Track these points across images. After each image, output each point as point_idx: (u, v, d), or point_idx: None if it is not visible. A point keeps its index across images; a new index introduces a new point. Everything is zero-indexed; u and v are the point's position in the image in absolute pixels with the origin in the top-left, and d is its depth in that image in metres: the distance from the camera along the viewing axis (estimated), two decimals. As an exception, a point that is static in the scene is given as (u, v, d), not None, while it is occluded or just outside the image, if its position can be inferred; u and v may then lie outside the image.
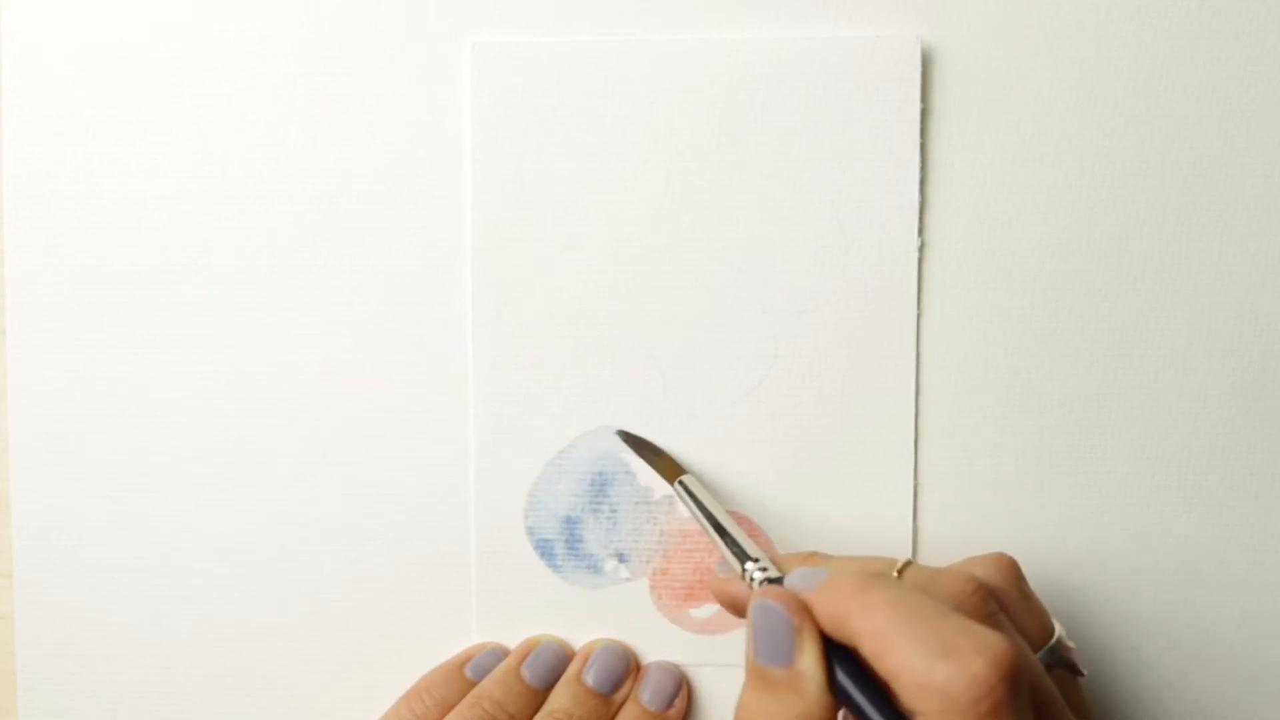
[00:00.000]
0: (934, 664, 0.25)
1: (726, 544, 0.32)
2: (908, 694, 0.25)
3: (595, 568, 0.37)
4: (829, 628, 0.27)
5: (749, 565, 0.32)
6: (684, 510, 0.36)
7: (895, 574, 0.30)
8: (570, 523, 0.37)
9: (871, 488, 0.36)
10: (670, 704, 0.35)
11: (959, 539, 0.36)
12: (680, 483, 0.35)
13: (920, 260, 0.36)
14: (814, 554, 0.33)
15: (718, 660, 0.37)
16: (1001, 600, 0.30)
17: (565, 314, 0.36)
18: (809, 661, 0.27)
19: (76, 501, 0.37)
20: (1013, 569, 0.31)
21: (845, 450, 0.36)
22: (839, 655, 0.27)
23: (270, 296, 0.37)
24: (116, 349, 0.37)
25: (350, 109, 0.36)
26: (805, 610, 0.28)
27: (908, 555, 0.36)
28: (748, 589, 0.31)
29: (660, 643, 0.37)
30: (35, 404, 0.37)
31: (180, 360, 0.37)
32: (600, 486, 0.37)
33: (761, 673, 0.28)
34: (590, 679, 0.35)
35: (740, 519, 0.36)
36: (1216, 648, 0.36)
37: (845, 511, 0.36)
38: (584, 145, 0.36)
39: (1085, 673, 0.31)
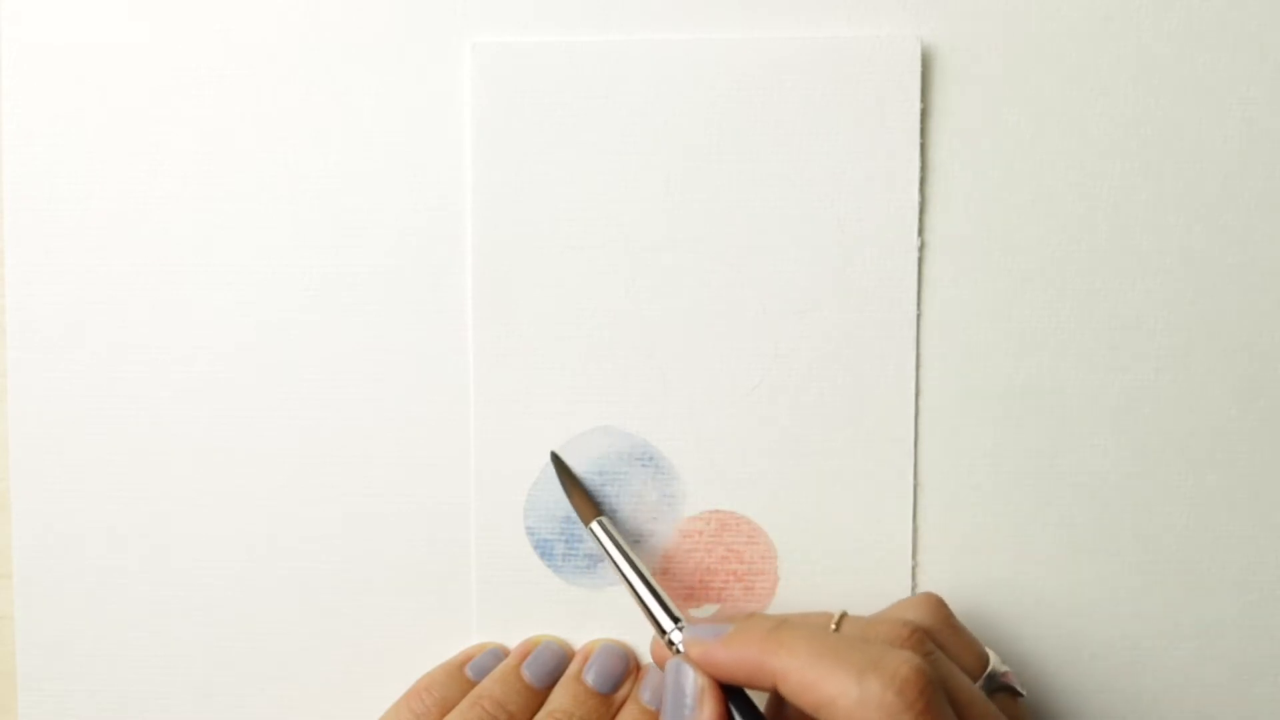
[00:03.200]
0: (864, 680, 0.27)
1: (648, 601, 0.33)
2: (842, 717, 0.27)
3: (595, 568, 0.37)
4: (742, 674, 0.30)
5: (670, 628, 0.32)
6: (685, 510, 0.37)
7: (833, 626, 0.32)
8: (570, 523, 0.37)
9: (871, 488, 0.36)
10: (670, 704, 0.36)
11: (959, 539, 0.36)
12: (598, 523, 0.35)
13: (920, 260, 0.36)
14: (753, 615, 0.33)
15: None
16: (936, 639, 0.32)
17: (565, 314, 0.36)
18: (709, 713, 0.30)
19: (76, 501, 0.37)
20: (941, 607, 0.33)
21: (845, 450, 0.36)
22: (739, 706, 0.30)
23: (270, 296, 0.37)
24: (116, 349, 0.37)
25: (350, 109, 0.36)
26: (709, 669, 0.30)
27: (905, 566, 0.36)
28: (665, 648, 0.33)
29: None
30: (35, 404, 0.37)
31: (180, 360, 0.37)
32: (600, 486, 0.37)
33: None
34: (590, 679, 0.35)
35: (740, 519, 0.36)
36: (1216, 647, 0.36)
37: (845, 511, 0.36)
38: (584, 145, 0.36)
39: (1024, 693, 0.33)
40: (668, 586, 0.37)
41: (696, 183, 0.36)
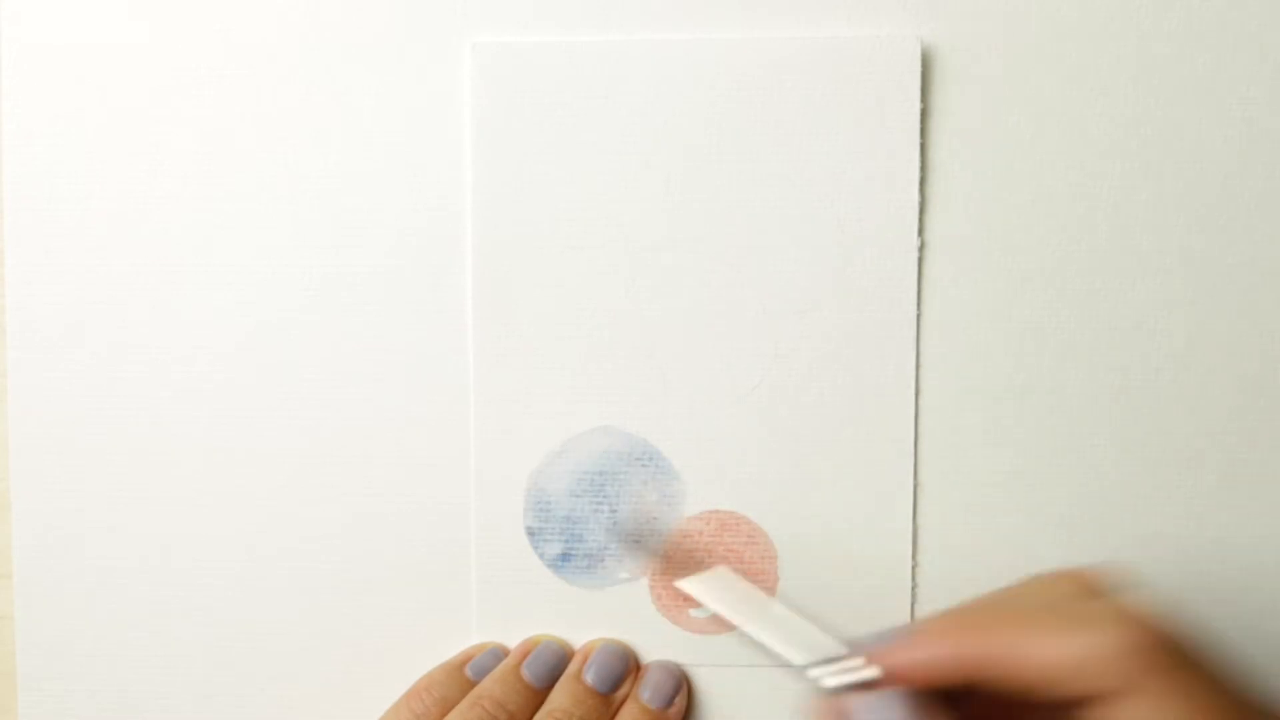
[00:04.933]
0: (1105, 632, 0.24)
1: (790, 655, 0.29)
2: (1095, 676, 0.24)
3: (595, 568, 0.37)
4: (944, 673, 0.26)
5: (825, 668, 0.27)
6: (685, 510, 0.37)
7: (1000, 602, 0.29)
8: (570, 523, 0.37)
9: (871, 488, 0.36)
10: (670, 703, 0.35)
11: (959, 539, 0.36)
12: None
13: (920, 260, 0.36)
14: (955, 610, 0.29)
15: (718, 660, 0.37)
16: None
17: (565, 314, 0.36)
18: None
19: (76, 501, 0.37)
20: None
21: (845, 450, 0.36)
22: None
23: (270, 296, 0.37)
24: (116, 349, 0.37)
25: (350, 109, 0.36)
26: (904, 675, 0.27)
27: (905, 566, 0.36)
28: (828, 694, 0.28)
29: (660, 642, 0.37)
30: (35, 404, 0.37)
31: (180, 360, 0.37)
32: (600, 486, 0.37)
33: None
34: (590, 678, 0.35)
35: (740, 519, 0.36)
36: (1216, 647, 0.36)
37: (845, 511, 0.36)
38: (584, 145, 0.36)
39: None
40: (668, 586, 0.37)
41: (696, 183, 0.36)
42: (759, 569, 0.36)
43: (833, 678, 0.27)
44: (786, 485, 0.36)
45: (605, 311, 0.36)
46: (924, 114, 0.36)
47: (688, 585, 0.32)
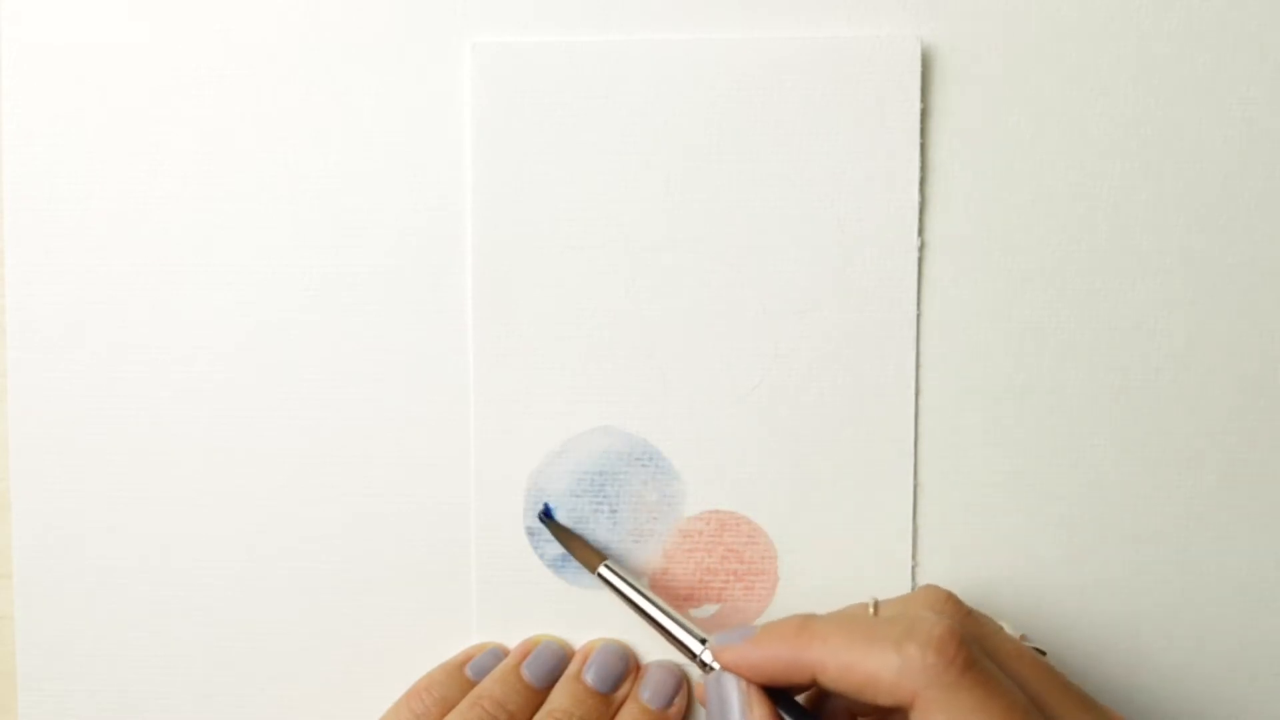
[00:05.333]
0: (902, 649, 0.27)
1: (671, 631, 0.33)
2: (888, 689, 0.27)
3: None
4: (779, 670, 0.29)
5: (698, 648, 0.32)
6: (685, 510, 0.37)
7: (871, 611, 0.32)
8: (570, 522, 0.37)
9: (871, 488, 0.36)
10: (670, 703, 0.35)
11: (959, 538, 0.36)
12: (605, 568, 0.35)
13: (920, 260, 0.36)
14: (801, 616, 0.32)
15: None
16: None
17: (565, 314, 0.36)
18: (760, 715, 0.30)
19: (76, 501, 0.37)
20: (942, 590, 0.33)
21: (845, 450, 0.36)
22: (786, 708, 0.30)
23: (270, 296, 0.37)
24: (116, 349, 0.37)
25: (350, 109, 0.36)
26: (745, 671, 0.30)
27: (905, 566, 0.36)
28: (703, 674, 0.32)
29: (660, 642, 0.37)
30: (35, 404, 0.37)
31: (180, 360, 0.37)
32: (600, 486, 0.37)
33: None
34: (590, 678, 0.35)
35: (740, 519, 0.36)
36: (1216, 647, 0.36)
37: (845, 511, 0.36)
38: (584, 145, 0.36)
39: (1046, 651, 0.33)
40: (668, 586, 0.37)
41: (696, 183, 0.36)
42: (759, 569, 0.37)
43: (702, 659, 0.32)
44: (786, 485, 0.36)
45: (605, 311, 0.36)
46: (924, 114, 0.36)
47: (604, 573, 0.35)
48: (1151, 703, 0.36)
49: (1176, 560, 0.36)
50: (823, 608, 0.36)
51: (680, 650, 0.33)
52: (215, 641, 0.37)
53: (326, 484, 0.37)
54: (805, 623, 0.30)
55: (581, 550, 0.36)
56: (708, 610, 0.37)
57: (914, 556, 0.36)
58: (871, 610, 0.32)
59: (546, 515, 0.37)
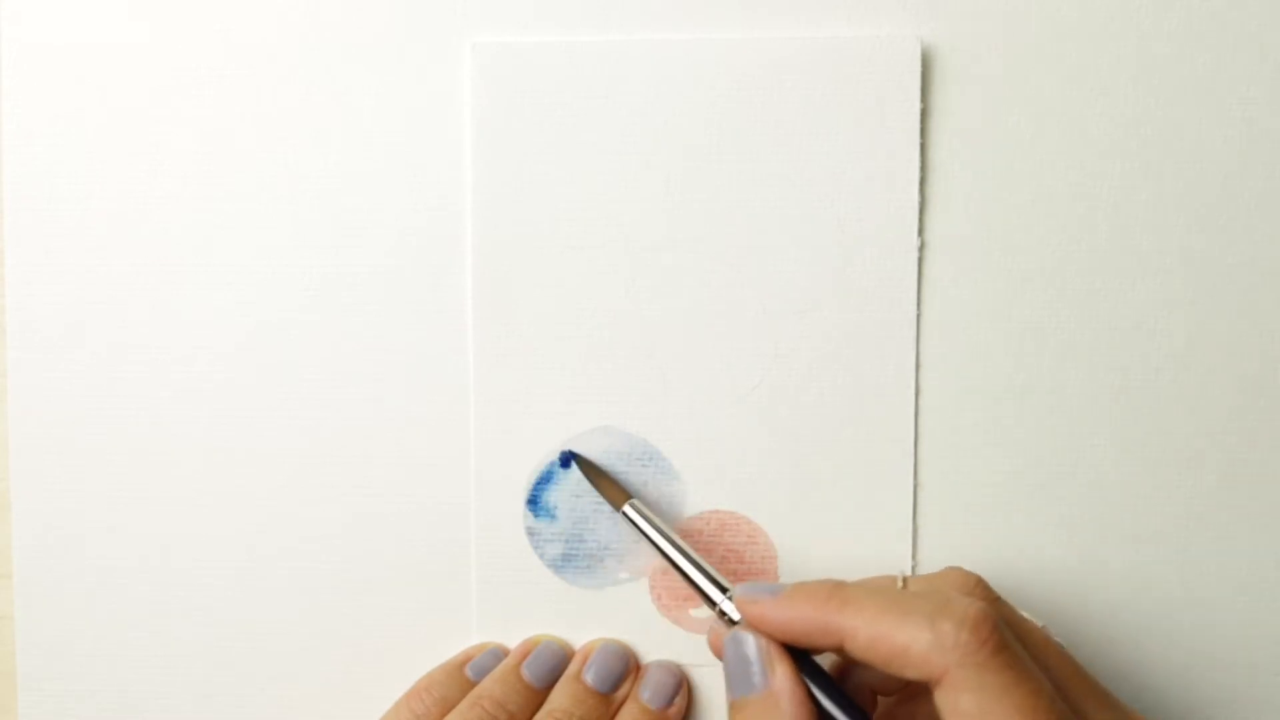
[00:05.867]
0: (935, 625, 0.27)
1: (694, 577, 0.33)
2: (918, 663, 0.27)
3: (595, 568, 0.37)
4: (803, 632, 0.29)
5: (720, 598, 0.32)
6: (685, 510, 0.37)
7: (900, 585, 0.32)
8: (571, 522, 0.37)
9: (871, 488, 0.36)
10: (670, 703, 0.35)
11: (959, 538, 0.36)
12: (630, 507, 0.35)
13: (920, 260, 0.36)
14: (832, 581, 0.32)
15: (718, 660, 0.36)
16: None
17: (565, 314, 0.36)
18: (782, 678, 0.29)
19: (76, 501, 0.37)
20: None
21: (845, 450, 0.36)
22: (805, 668, 0.30)
23: (270, 296, 0.37)
24: (116, 349, 0.37)
25: (350, 109, 0.36)
26: (767, 628, 0.30)
27: (905, 566, 0.36)
28: (722, 625, 0.32)
29: (660, 642, 0.37)
30: (35, 404, 0.37)
31: (180, 360, 0.37)
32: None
33: (739, 706, 0.30)
34: (590, 678, 0.35)
35: (740, 519, 0.36)
36: (1217, 646, 0.36)
37: (845, 511, 0.36)
38: (584, 145, 0.36)
39: (1063, 645, 0.33)
40: (669, 586, 0.37)
41: (696, 183, 0.36)
42: (759, 569, 0.36)
43: (723, 608, 0.32)
44: (786, 485, 0.36)
45: (605, 311, 0.36)
46: (924, 114, 0.36)
47: (630, 512, 0.35)
48: (1152, 702, 0.36)
49: (1176, 560, 0.36)
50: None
51: (702, 598, 0.33)
52: (215, 641, 0.38)
53: (326, 484, 0.37)
54: (838, 588, 0.29)
55: (609, 488, 0.35)
56: (707, 611, 0.37)
57: (914, 556, 0.36)
58: (900, 584, 0.32)
59: (574, 454, 0.36)
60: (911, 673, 0.27)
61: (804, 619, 0.29)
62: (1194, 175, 0.36)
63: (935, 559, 0.36)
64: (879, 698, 0.33)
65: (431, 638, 0.37)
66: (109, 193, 0.37)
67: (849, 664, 0.32)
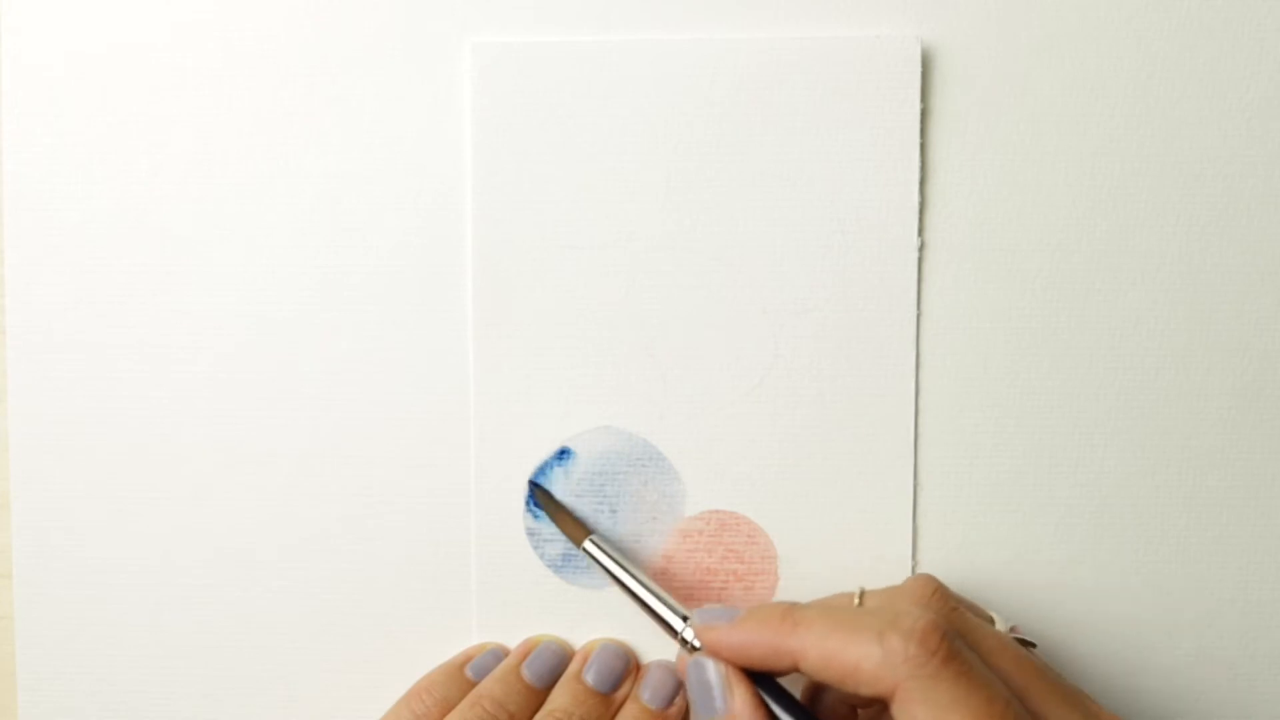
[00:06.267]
0: (884, 640, 0.27)
1: (653, 607, 0.33)
2: (869, 680, 0.27)
3: (595, 568, 0.37)
4: (760, 655, 0.30)
5: (681, 626, 0.32)
6: (685, 510, 0.37)
7: (856, 602, 0.32)
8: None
9: (871, 488, 0.36)
10: (670, 703, 0.35)
11: (959, 539, 0.36)
12: (590, 543, 0.35)
13: (920, 260, 0.36)
14: (786, 603, 0.32)
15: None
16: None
17: (565, 314, 0.36)
18: (741, 702, 0.30)
19: (76, 501, 0.37)
20: (936, 580, 0.33)
21: (845, 450, 0.36)
22: (764, 688, 0.30)
23: (270, 296, 0.37)
24: (116, 349, 0.37)
25: (350, 109, 0.36)
26: (725, 652, 0.31)
27: (905, 566, 0.36)
28: (685, 652, 0.32)
29: (660, 642, 0.37)
30: (35, 404, 0.37)
31: (180, 360, 0.37)
32: (600, 486, 0.37)
33: None
34: (590, 678, 0.35)
35: (740, 519, 0.36)
36: (1217, 646, 0.36)
37: (845, 511, 0.36)
38: (584, 145, 0.36)
39: (1036, 644, 0.33)
40: (668, 587, 0.37)
41: (696, 183, 0.36)
42: (759, 569, 0.37)
43: (684, 635, 0.32)
44: (786, 485, 0.36)
45: (605, 311, 0.36)
46: (924, 114, 0.36)
47: (589, 547, 0.35)
48: (1151, 702, 0.36)
49: (1176, 560, 0.36)
50: (823, 608, 0.36)
51: (663, 628, 0.33)
52: (215, 641, 0.38)
53: (326, 484, 0.37)
54: (790, 610, 0.30)
55: (568, 523, 0.36)
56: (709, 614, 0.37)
57: (914, 556, 0.36)
58: (857, 600, 0.32)
59: (535, 485, 0.36)
60: (865, 689, 0.27)
61: (758, 642, 0.30)
62: (1194, 175, 0.36)
63: (935, 559, 0.36)
64: (859, 710, 0.33)
65: (431, 638, 0.37)
66: (109, 193, 0.37)
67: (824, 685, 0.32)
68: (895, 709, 0.27)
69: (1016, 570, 0.36)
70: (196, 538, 0.37)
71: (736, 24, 0.36)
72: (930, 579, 0.32)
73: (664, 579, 0.37)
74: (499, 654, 0.36)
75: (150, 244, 0.37)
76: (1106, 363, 0.36)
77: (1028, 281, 0.36)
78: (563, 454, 0.37)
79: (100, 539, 0.37)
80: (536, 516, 0.37)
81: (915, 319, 0.36)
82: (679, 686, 0.36)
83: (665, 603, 0.33)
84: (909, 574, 0.36)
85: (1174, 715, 0.36)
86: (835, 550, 0.36)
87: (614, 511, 0.37)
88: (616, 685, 0.35)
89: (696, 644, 0.32)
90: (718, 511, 0.37)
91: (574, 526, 0.36)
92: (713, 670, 0.31)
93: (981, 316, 0.36)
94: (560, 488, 0.37)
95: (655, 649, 0.37)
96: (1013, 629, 0.33)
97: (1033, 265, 0.36)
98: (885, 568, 0.36)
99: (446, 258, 0.36)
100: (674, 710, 0.35)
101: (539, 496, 0.36)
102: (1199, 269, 0.36)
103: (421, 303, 0.37)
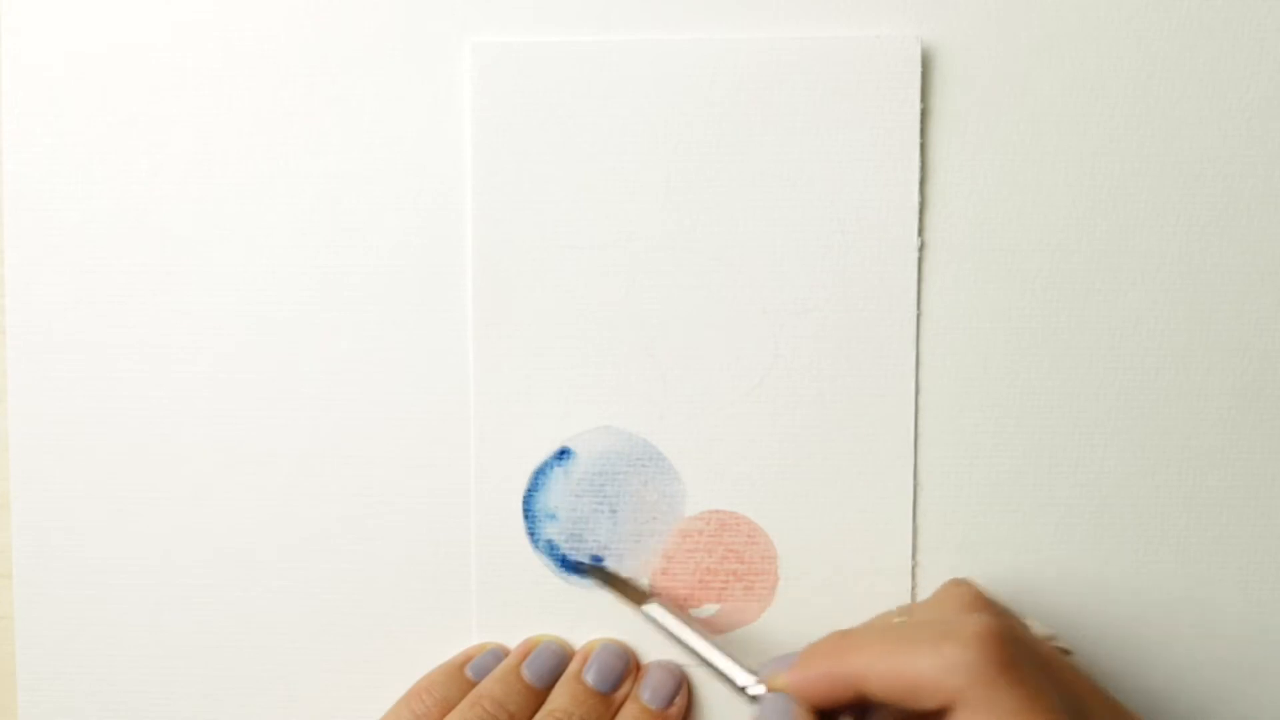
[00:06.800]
0: (941, 650, 0.27)
1: (719, 667, 0.33)
2: (931, 692, 0.27)
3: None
4: (825, 689, 0.29)
5: (746, 682, 0.32)
6: (685, 510, 0.37)
7: (897, 620, 0.32)
8: (570, 522, 0.37)
9: (871, 488, 0.36)
10: (670, 703, 0.35)
11: (959, 539, 0.36)
12: (653, 606, 0.35)
13: (920, 260, 0.36)
14: (838, 632, 0.32)
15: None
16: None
17: (565, 314, 0.36)
18: None
19: (76, 501, 0.37)
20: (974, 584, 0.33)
21: (845, 450, 0.36)
22: None
23: (270, 296, 0.37)
24: (116, 349, 0.37)
25: (350, 109, 0.36)
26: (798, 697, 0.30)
27: (905, 566, 0.36)
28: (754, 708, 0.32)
29: (660, 642, 0.37)
30: (35, 404, 0.37)
31: (180, 360, 0.37)
32: (600, 486, 0.37)
33: None
34: (590, 678, 0.35)
35: (740, 519, 0.36)
36: (1217, 646, 0.36)
37: (845, 511, 0.36)
38: (584, 145, 0.36)
39: (1072, 650, 0.33)
40: (668, 587, 0.37)
41: (696, 183, 0.36)
42: (759, 569, 0.37)
43: (759, 690, 0.32)
44: (786, 485, 0.36)
45: (605, 311, 0.36)
46: (924, 114, 0.36)
47: (652, 611, 0.35)
48: (1152, 703, 0.36)
49: (1176, 560, 0.36)
50: (823, 607, 0.36)
51: (730, 686, 0.32)
52: (215, 641, 0.38)
53: (326, 484, 0.37)
54: (843, 637, 0.30)
55: (628, 590, 0.36)
56: (708, 610, 0.37)
57: (914, 556, 0.36)
58: (897, 617, 0.32)
59: (585, 565, 0.36)
60: (927, 702, 0.27)
61: (821, 675, 0.29)
62: (1194, 175, 0.36)
63: (935, 559, 0.36)
64: None
65: (431, 638, 0.37)
66: (109, 193, 0.37)
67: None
68: (954, 719, 0.27)
69: (1016, 571, 0.36)
70: (196, 538, 0.37)
71: (736, 24, 0.36)
72: (964, 582, 0.32)
73: (664, 579, 0.37)
74: (499, 654, 0.36)
75: (150, 244, 0.37)
76: (1106, 363, 0.36)
77: (1028, 281, 0.36)
78: (563, 454, 0.37)
79: (100, 539, 0.37)
80: (537, 515, 0.37)
81: (915, 319, 0.36)
82: (679, 686, 0.36)
83: (733, 660, 0.33)
84: (909, 574, 0.36)
85: (1175, 715, 0.36)
86: (835, 550, 0.36)
87: (614, 511, 0.37)
88: (616, 685, 0.35)
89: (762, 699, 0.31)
90: (718, 511, 0.37)
91: (634, 592, 0.35)
92: (784, 704, 0.30)
93: (981, 316, 0.36)
94: (560, 488, 0.37)
95: (655, 649, 0.37)
96: (1051, 637, 0.32)
97: (1033, 265, 0.36)
98: (885, 568, 0.36)
99: (446, 258, 0.36)
100: (674, 710, 0.36)
101: (595, 576, 0.36)
102: (1199, 269, 0.36)
103: (421, 303, 0.37)
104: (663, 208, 0.36)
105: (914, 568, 0.36)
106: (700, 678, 0.37)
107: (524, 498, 0.37)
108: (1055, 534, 0.36)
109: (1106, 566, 0.36)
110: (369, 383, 0.37)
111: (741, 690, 0.32)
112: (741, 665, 0.33)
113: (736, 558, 0.37)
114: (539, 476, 0.37)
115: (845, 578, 0.36)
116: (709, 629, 0.37)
